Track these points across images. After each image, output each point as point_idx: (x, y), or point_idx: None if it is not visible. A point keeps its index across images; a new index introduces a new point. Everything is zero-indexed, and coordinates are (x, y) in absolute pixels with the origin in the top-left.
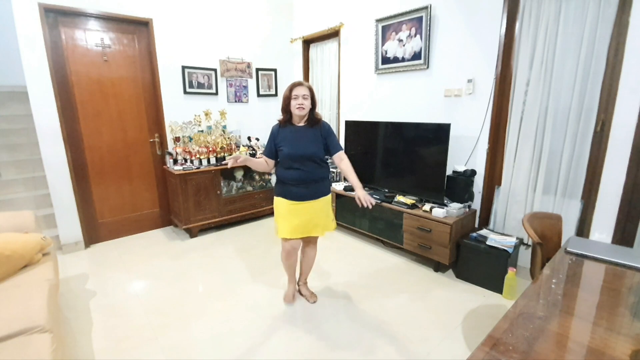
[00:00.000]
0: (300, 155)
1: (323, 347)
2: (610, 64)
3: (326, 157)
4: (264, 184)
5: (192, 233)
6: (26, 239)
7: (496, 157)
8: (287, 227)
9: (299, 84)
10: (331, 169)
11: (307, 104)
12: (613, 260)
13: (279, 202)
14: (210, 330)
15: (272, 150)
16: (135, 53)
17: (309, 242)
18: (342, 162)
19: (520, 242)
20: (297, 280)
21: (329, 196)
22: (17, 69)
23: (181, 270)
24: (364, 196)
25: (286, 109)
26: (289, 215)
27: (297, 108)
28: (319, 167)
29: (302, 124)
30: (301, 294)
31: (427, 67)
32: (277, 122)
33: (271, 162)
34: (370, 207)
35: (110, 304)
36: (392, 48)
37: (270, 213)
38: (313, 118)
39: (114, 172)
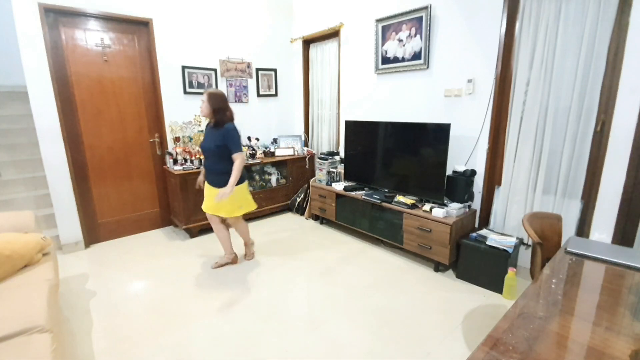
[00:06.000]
0: (204, 149)
1: (324, 349)
2: (610, 64)
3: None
4: (264, 184)
5: (192, 233)
6: (26, 239)
7: (496, 157)
8: (204, 204)
9: (204, 92)
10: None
11: (204, 107)
12: (613, 260)
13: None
14: (210, 329)
15: None
16: (135, 53)
17: (223, 220)
18: (233, 162)
19: (520, 242)
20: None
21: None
22: (17, 69)
23: (181, 270)
24: (222, 194)
25: None
26: (204, 195)
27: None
28: (218, 162)
29: (211, 124)
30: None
31: (427, 67)
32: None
33: None
34: (218, 201)
35: (110, 304)
36: (392, 48)
37: (271, 213)
38: (217, 121)
39: (114, 172)
